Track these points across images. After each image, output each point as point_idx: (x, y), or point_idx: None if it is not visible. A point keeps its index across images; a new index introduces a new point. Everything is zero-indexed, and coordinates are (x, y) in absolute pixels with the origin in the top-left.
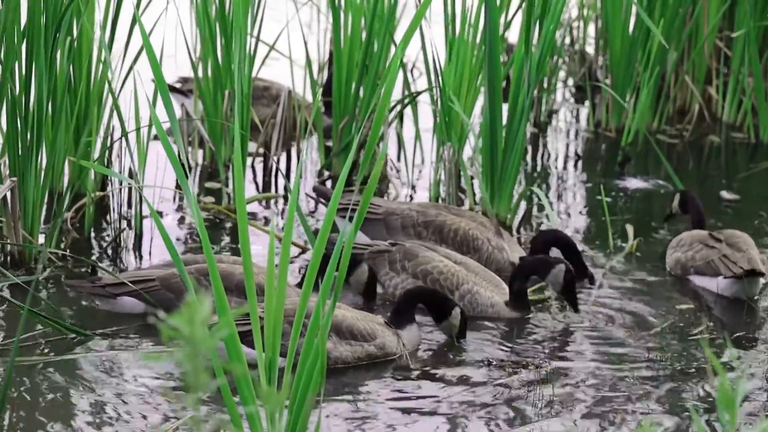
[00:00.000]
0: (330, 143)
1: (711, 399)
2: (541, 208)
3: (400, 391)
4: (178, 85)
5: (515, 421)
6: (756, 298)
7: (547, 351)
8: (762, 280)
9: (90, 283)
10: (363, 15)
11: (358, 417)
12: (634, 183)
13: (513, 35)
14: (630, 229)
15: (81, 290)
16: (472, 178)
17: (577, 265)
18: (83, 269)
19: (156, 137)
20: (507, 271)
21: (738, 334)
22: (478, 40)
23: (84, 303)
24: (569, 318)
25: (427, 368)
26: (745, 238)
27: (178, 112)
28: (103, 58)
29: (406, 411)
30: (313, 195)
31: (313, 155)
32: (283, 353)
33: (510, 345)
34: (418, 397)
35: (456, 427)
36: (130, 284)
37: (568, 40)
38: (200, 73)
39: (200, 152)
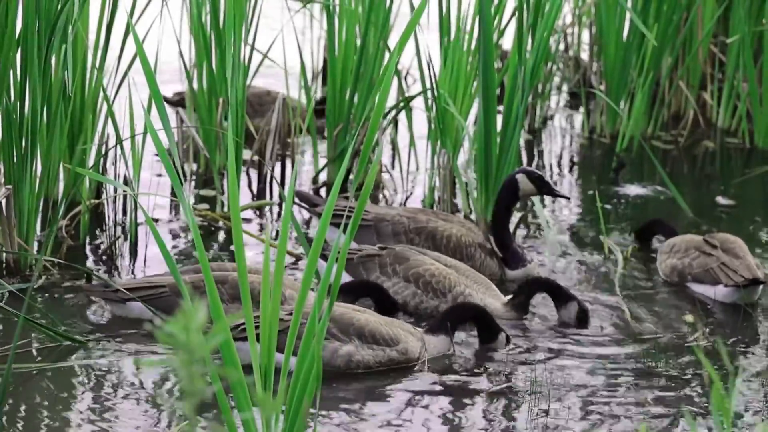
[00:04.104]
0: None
1: (707, 405)
2: (536, 213)
3: (395, 396)
4: (169, 95)
5: (511, 426)
6: (753, 303)
7: (542, 357)
8: (760, 287)
9: (104, 287)
10: (357, 22)
11: (354, 422)
12: (633, 189)
13: (507, 42)
14: (611, 242)
15: (93, 294)
16: (466, 184)
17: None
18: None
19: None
20: (497, 276)
21: (734, 339)
22: (472, 46)
23: (79, 310)
24: (565, 323)
25: (423, 374)
26: (739, 243)
27: (173, 120)
28: (97, 64)
29: (402, 416)
30: (296, 200)
31: (307, 162)
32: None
33: (506, 350)
34: (415, 403)
35: None
36: (140, 290)
37: (562, 47)
38: (194, 81)
39: (195, 160)
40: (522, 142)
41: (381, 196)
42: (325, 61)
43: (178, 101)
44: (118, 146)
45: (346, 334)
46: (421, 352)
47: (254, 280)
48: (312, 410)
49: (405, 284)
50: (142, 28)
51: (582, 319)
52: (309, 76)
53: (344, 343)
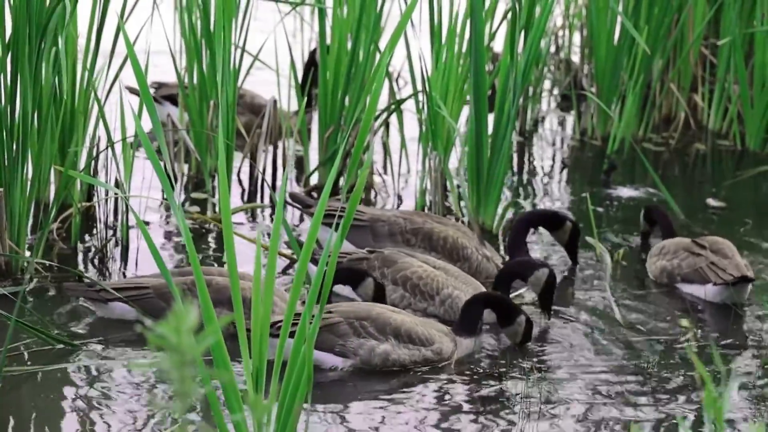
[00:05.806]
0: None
1: (699, 406)
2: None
3: (388, 397)
4: (151, 91)
5: (504, 427)
6: (743, 304)
7: (535, 358)
8: (749, 286)
9: (87, 286)
10: (349, 24)
11: (347, 424)
12: (624, 192)
13: (498, 44)
14: (600, 245)
15: (77, 293)
16: (458, 186)
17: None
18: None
19: (141, 147)
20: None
21: (725, 341)
22: (464, 49)
23: (71, 313)
24: (556, 324)
25: (416, 375)
26: (728, 245)
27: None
28: (88, 66)
29: (395, 417)
30: (290, 201)
31: (298, 164)
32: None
33: (498, 351)
34: (408, 404)
35: None
36: (124, 290)
37: (553, 49)
38: (186, 83)
39: (186, 162)
40: (513, 145)
41: (372, 198)
42: (313, 61)
43: (160, 97)
44: (110, 149)
45: (383, 334)
46: (452, 352)
47: (243, 286)
48: (305, 407)
49: (393, 287)
50: (134, 30)
51: (550, 283)
52: (300, 78)
53: (381, 342)
